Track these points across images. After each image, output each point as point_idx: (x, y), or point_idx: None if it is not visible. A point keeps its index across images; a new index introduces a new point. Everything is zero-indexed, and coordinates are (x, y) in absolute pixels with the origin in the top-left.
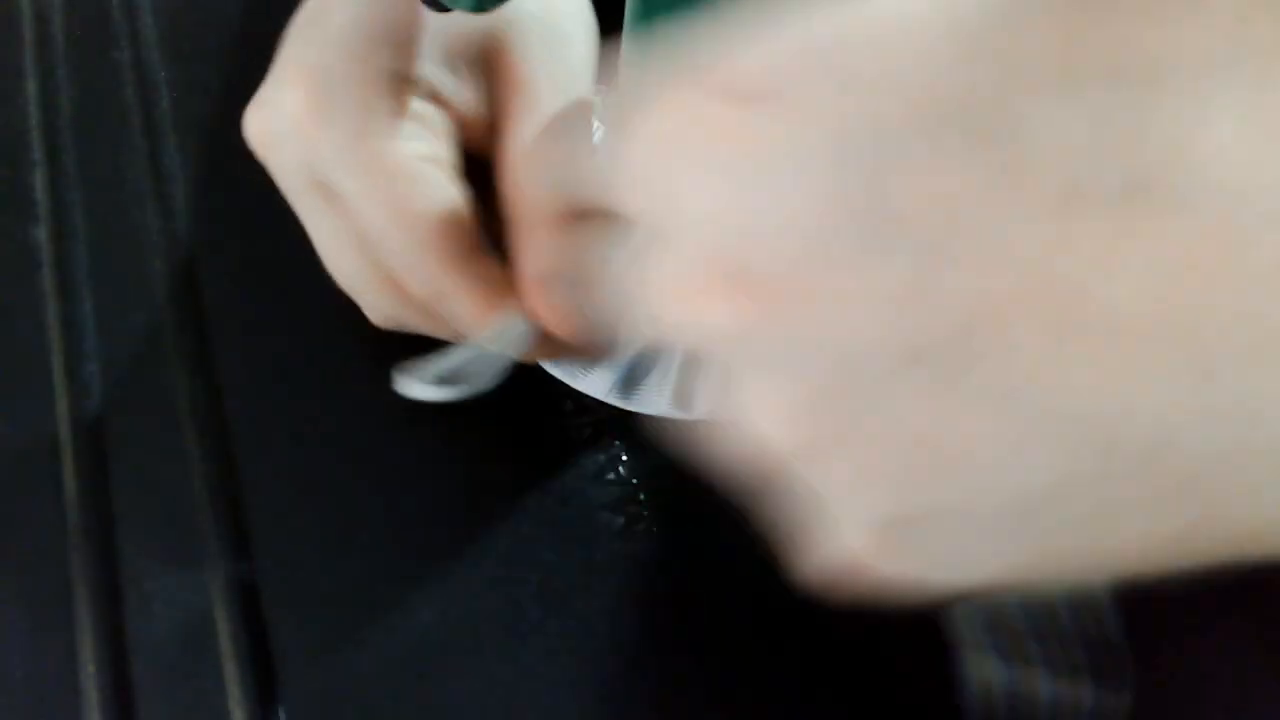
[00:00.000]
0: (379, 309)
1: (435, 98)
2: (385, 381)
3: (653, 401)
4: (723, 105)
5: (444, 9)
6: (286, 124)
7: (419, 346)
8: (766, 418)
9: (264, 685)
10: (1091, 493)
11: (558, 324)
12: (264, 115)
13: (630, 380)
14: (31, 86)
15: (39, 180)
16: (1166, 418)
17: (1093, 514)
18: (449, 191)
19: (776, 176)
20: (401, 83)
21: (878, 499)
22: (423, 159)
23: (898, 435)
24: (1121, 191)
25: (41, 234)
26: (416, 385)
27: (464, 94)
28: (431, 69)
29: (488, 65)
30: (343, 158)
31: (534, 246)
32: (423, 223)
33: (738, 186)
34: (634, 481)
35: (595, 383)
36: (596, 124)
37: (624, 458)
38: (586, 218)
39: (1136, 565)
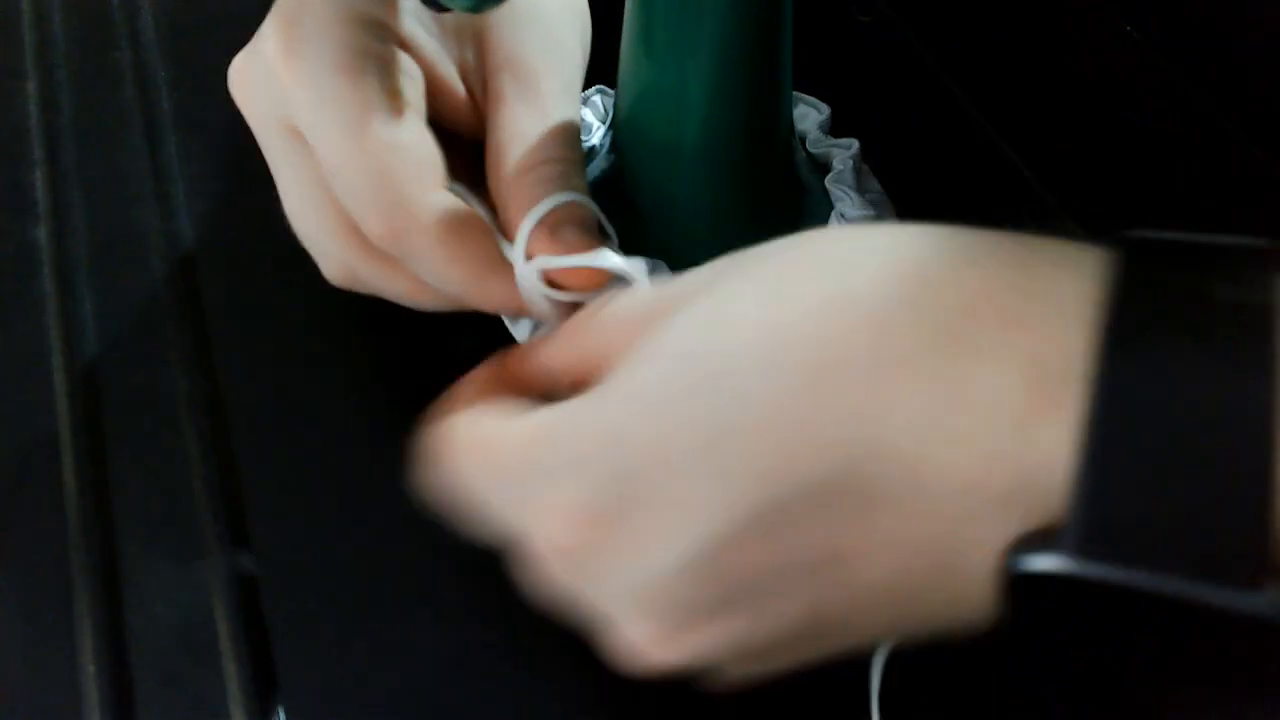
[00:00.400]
0: (337, 261)
1: (411, 50)
2: (385, 381)
3: None
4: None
5: (442, 8)
6: (261, 68)
7: (418, 349)
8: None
9: (263, 685)
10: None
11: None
12: (243, 62)
13: None
14: (31, 87)
15: (39, 180)
16: (914, 614)
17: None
18: (413, 128)
19: (636, 567)
20: (377, 27)
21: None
22: (390, 95)
23: (765, 649)
24: (866, 509)
25: (41, 234)
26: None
27: (442, 57)
28: (411, 24)
29: (477, 39)
30: (308, 92)
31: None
32: (384, 152)
33: (612, 580)
34: None
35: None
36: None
37: None
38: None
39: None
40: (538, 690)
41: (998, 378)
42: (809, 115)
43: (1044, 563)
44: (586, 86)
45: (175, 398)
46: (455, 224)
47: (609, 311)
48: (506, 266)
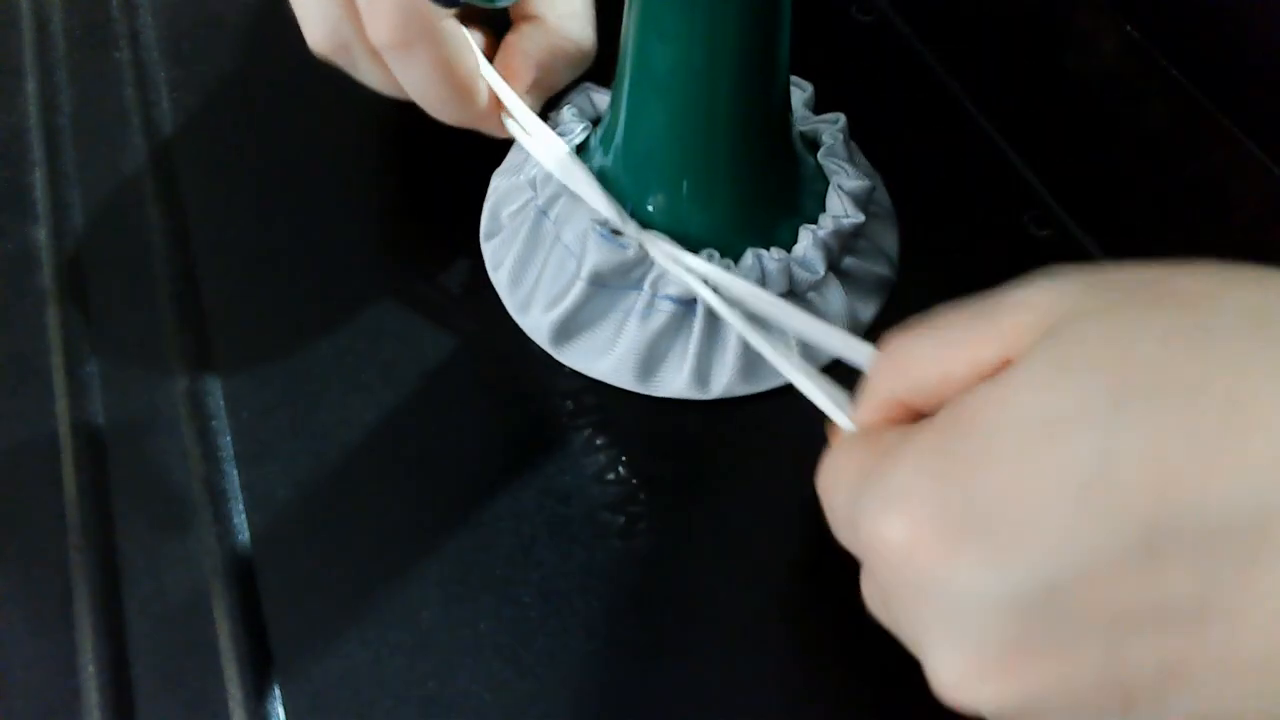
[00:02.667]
0: (329, 29)
1: None
2: (388, 381)
3: (670, 383)
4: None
5: (455, 5)
6: None
7: (419, 348)
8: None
9: (263, 684)
10: None
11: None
12: None
13: (647, 363)
14: (31, 86)
15: (38, 180)
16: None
17: None
18: None
19: (985, 583)
20: None
21: None
22: None
23: None
24: (1248, 555)
25: (41, 234)
26: None
27: None
28: None
29: None
30: None
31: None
32: None
33: (955, 600)
34: (635, 480)
35: (611, 368)
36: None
37: (624, 458)
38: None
39: None
40: (538, 689)
41: None
42: (794, 94)
43: None
44: (576, 85)
45: (175, 397)
46: (454, 50)
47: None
48: (481, 94)
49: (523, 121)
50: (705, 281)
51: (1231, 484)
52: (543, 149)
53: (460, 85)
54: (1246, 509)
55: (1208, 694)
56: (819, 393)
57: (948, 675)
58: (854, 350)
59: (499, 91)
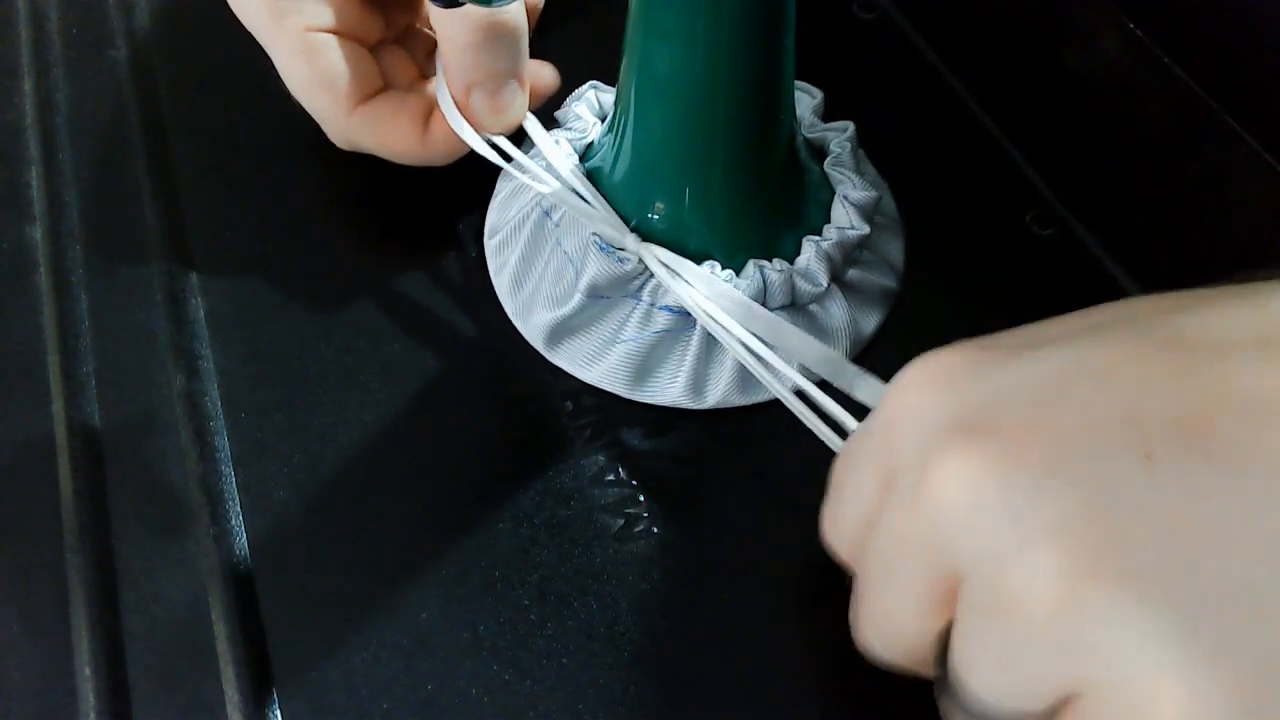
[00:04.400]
0: (333, 127)
1: None
2: (384, 382)
3: (664, 391)
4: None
5: (455, 4)
6: None
7: (419, 347)
8: None
9: (261, 687)
10: None
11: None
12: None
13: (641, 370)
14: (27, 85)
15: (35, 179)
16: None
17: None
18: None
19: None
20: None
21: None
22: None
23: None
24: None
25: (37, 233)
26: None
27: None
28: None
29: None
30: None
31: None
32: (317, 79)
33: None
34: (634, 482)
35: (604, 373)
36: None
37: (623, 460)
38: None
39: None
40: (537, 691)
41: None
42: (802, 100)
43: None
44: (580, 83)
45: (172, 398)
46: (384, 119)
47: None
48: (434, 129)
49: (531, 132)
50: (704, 294)
51: None
52: (543, 181)
53: (408, 133)
54: None
55: None
56: (811, 417)
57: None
58: (843, 375)
59: (464, 134)
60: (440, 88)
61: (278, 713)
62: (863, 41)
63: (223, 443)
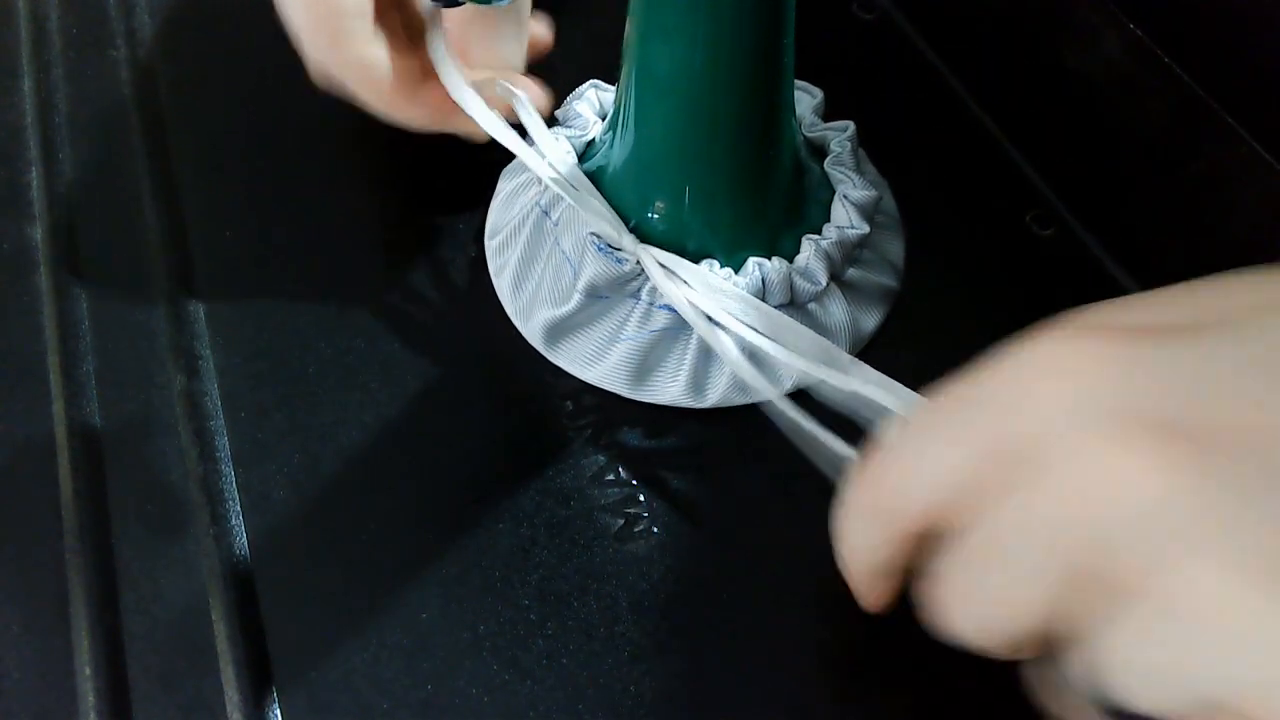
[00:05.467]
0: (314, 62)
1: None
2: (385, 382)
3: (664, 390)
4: (1096, 338)
5: (456, 4)
6: None
7: (419, 348)
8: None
9: (261, 686)
10: None
11: None
12: None
13: (641, 370)
14: (28, 85)
15: (35, 179)
16: None
17: None
18: None
19: (1179, 357)
20: None
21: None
22: None
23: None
24: None
25: (38, 233)
26: None
27: None
28: None
29: None
30: None
31: None
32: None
33: (1149, 371)
34: (634, 482)
35: (605, 373)
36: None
37: (623, 460)
38: None
39: None
40: (537, 691)
41: None
42: (803, 100)
43: None
44: (581, 81)
45: (172, 398)
46: (373, 66)
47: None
48: (426, 92)
49: (531, 129)
50: (702, 293)
51: None
52: (542, 161)
53: (399, 89)
54: None
55: None
56: (801, 419)
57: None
58: (838, 363)
59: (479, 117)
60: (440, 54)
61: (278, 712)
62: (863, 41)
63: (223, 443)
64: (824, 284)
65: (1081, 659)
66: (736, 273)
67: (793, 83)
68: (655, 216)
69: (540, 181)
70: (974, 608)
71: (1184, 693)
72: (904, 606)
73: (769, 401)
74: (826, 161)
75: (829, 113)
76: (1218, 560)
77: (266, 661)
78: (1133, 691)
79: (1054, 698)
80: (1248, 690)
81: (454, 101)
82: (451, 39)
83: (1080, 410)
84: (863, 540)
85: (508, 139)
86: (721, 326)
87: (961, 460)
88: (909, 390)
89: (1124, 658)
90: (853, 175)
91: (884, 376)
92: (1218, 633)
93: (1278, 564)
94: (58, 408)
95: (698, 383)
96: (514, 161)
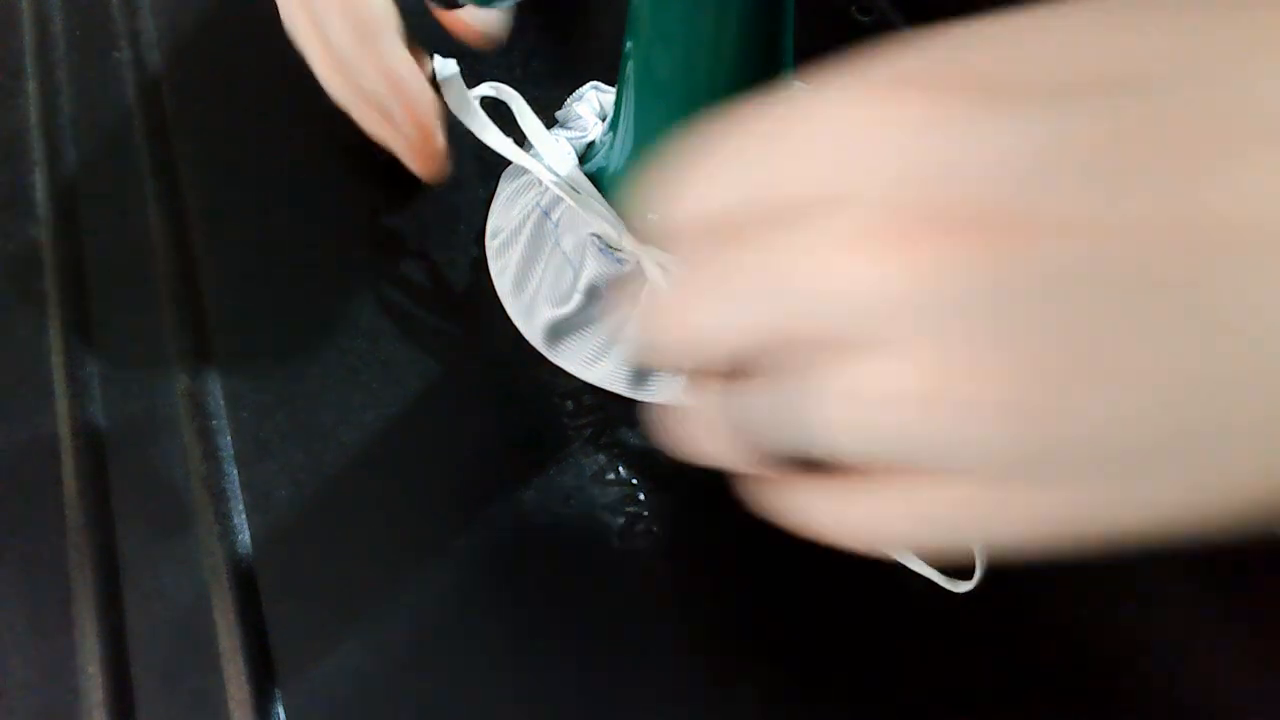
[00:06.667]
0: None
1: None
2: (385, 381)
3: (666, 389)
4: (911, 92)
5: (455, 5)
6: None
7: (419, 348)
8: (928, 375)
9: (263, 683)
10: (1237, 425)
11: None
12: None
13: (642, 369)
14: (31, 87)
15: (39, 180)
16: None
17: (1226, 451)
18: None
19: (978, 131)
20: None
21: (1023, 443)
22: None
23: (1073, 368)
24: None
25: (41, 234)
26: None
27: None
28: None
29: None
30: None
31: None
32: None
33: (941, 145)
34: (634, 481)
35: (606, 372)
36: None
37: (623, 459)
38: None
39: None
40: (538, 689)
41: None
42: None
43: None
44: (581, 82)
45: (175, 398)
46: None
47: None
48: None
49: (528, 132)
50: None
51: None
52: (542, 164)
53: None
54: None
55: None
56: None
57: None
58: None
59: (479, 131)
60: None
61: (280, 709)
62: (862, 44)
63: (225, 442)
64: None
65: (782, 394)
66: None
67: (792, 84)
68: (656, 217)
69: (541, 183)
70: (687, 313)
71: (876, 450)
72: (904, 610)
73: None
74: None
75: None
76: (937, 343)
77: (269, 658)
78: (823, 436)
79: (712, 432)
80: (936, 457)
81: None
82: None
83: (876, 179)
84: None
85: (508, 151)
86: None
87: (735, 195)
88: None
89: (824, 408)
90: None
91: None
92: (919, 404)
93: (1004, 360)
94: (62, 407)
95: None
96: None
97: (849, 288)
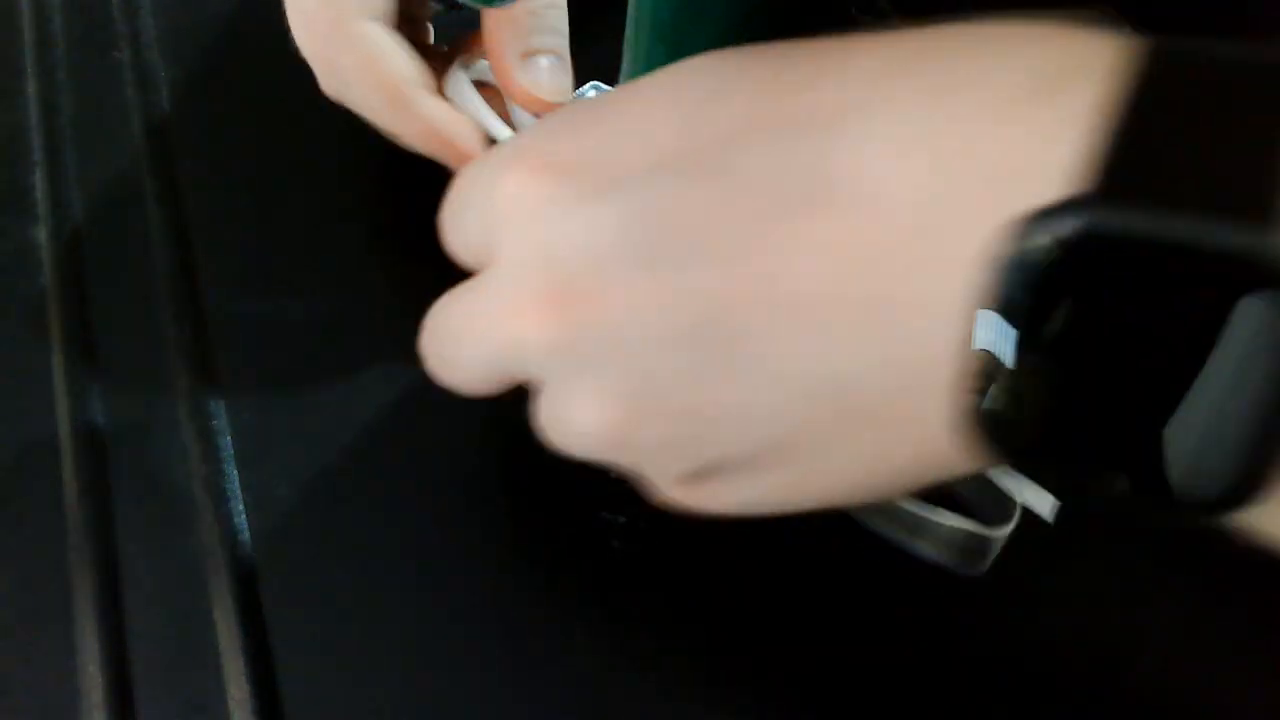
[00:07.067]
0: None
1: None
2: (385, 381)
3: None
4: (530, 175)
5: (456, 6)
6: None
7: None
8: (583, 413)
9: (264, 684)
10: (812, 433)
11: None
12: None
13: None
14: (32, 86)
15: (39, 180)
16: (848, 366)
17: (818, 451)
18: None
19: (573, 217)
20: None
21: (675, 460)
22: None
23: (682, 407)
24: (801, 205)
25: (41, 234)
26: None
27: None
28: None
29: None
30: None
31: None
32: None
33: (545, 230)
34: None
35: None
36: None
37: None
38: None
39: (862, 489)
40: (538, 690)
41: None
42: None
43: (1058, 225)
44: (581, 83)
45: (175, 398)
46: (376, 54)
47: None
48: (418, 102)
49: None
50: None
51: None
52: None
53: (395, 85)
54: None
55: (774, 348)
56: None
57: (510, 301)
58: None
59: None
60: (457, 80)
61: (281, 710)
62: None
63: (226, 442)
64: None
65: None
66: None
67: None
68: None
69: None
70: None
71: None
72: (905, 609)
73: None
74: None
75: None
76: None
77: (270, 659)
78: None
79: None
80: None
81: (451, 127)
82: (503, 27)
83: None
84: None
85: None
86: None
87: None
88: None
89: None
90: None
91: None
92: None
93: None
94: (61, 407)
95: None
96: None
97: (509, 346)
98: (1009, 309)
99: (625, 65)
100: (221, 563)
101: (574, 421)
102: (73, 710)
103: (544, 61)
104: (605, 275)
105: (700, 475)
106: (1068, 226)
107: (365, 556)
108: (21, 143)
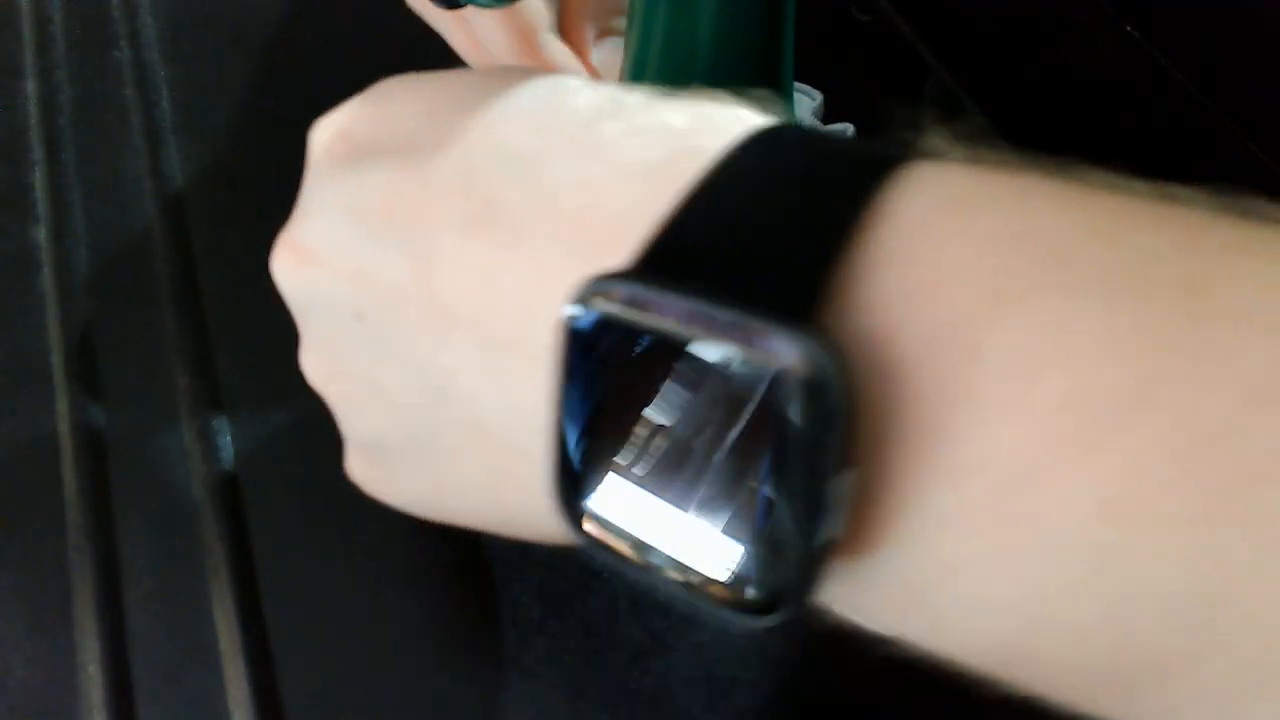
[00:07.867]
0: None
1: None
2: None
3: None
4: (335, 132)
5: (458, 5)
6: None
7: None
8: (304, 352)
9: (264, 685)
10: (442, 443)
11: None
12: None
13: None
14: (31, 86)
15: (39, 180)
16: (475, 389)
17: (448, 463)
18: None
19: (329, 180)
20: None
21: (351, 424)
22: None
23: (360, 373)
24: (464, 222)
25: (41, 234)
26: None
27: None
28: None
29: None
30: None
31: None
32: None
33: (310, 183)
34: None
35: None
36: None
37: None
38: None
39: (492, 522)
40: (538, 690)
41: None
42: (802, 102)
43: (610, 294)
44: None
45: (175, 397)
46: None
47: None
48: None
49: None
50: None
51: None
52: None
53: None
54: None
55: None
56: None
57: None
58: None
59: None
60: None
61: (281, 710)
62: (862, 44)
63: (225, 441)
64: None
65: None
66: None
67: (792, 86)
68: None
69: None
70: None
71: None
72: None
73: None
74: None
75: (828, 116)
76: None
77: (270, 659)
78: None
79: None
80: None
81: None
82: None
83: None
84: None
85: None
86: None
87: None
88: None
89: None
90: None
91: None
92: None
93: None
94: (62, 406)
95: None
96: None
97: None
98: (570, 375)
99: (624, 66)
100: (221, 562)
101: (302, 356)
102: (72, 710)
103: (610, 43)
104: (325, 239)
105: (372, 452)
106: (600, 297)
107: (364, 555)
108: (21, 142)
